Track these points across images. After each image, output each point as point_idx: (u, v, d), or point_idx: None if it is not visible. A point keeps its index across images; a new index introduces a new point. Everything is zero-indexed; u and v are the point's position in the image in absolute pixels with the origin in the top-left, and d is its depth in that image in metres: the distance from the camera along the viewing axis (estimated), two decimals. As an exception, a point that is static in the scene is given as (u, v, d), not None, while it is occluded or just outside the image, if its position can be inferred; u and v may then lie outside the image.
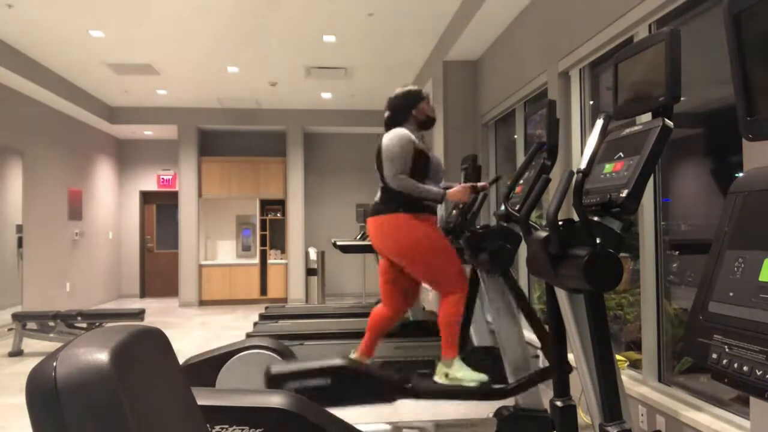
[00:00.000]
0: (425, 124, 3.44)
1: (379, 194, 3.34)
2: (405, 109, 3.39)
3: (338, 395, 2.92)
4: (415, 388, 3.13)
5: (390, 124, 3.40)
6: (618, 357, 3.27)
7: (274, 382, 2.89)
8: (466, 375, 3.14)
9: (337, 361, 2.99)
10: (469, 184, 3.32)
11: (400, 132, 3.29)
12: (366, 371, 2.95)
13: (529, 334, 4.91)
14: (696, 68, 3.07)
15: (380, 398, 3.07)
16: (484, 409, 3.47)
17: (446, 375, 3.18)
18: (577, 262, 1.63)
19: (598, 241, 1.65)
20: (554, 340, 2.12)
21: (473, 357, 3.48)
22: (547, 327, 3.01)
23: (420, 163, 3.26)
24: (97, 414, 0.81)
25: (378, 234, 3.29)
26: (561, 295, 1.87)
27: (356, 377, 2.91)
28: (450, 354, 3.19)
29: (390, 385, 3.03)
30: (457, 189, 3.28)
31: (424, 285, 3.48)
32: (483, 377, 3.14)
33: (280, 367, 3.01)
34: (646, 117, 1.69)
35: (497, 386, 3.11)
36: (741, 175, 1.14)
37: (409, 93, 3.43)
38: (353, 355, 3.36)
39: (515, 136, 5.55)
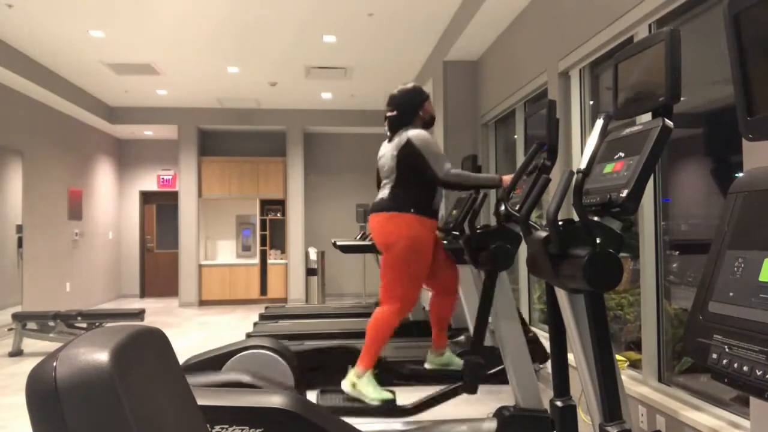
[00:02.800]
0: (429, 123, 3.44)
1: (387, 192, 3.30)
2: (412, 109, 3.37)
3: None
4: (319, 399, 3.14)
5: (397, 124, 3.36)
6: (618, 357, 3.27)
7: None
8: (371, 392, 3.11)
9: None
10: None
11: (424, 133, 3.28)
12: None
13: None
14: (696, 68, 3.07)
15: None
16: (484, 409, 3.47)
17: (353, 385, 3.15)
18: (577, 262, 1.63)
19: (598, 241, 1.64)
20: (554, 340, 2.12)
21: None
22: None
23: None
24: (97, 414, 0.81)
25: (380, 227, 3.28)
26: (561, 295, 1.87)
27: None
28: (364, 365, 3.16)
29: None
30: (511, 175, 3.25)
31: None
32: (388, 396, 3.12)
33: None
34: (646, 117, 1.69)
35: (401, 405, 3.12)
36: (741, 175, 1.14)
37: (415, 91, 3.42)
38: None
39: (515, 136, 5.55)
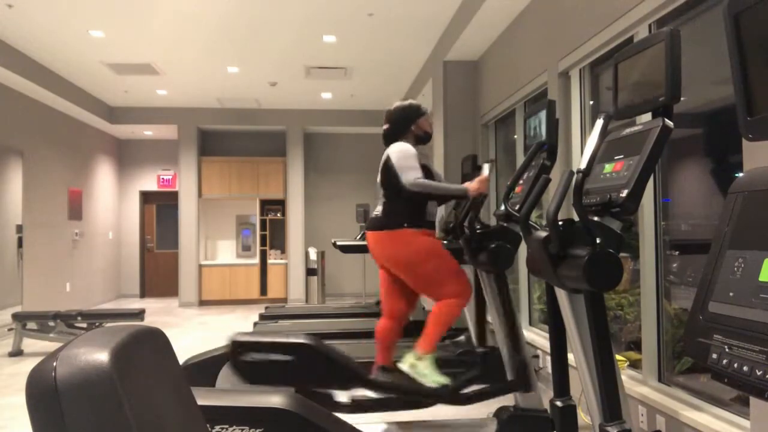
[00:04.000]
0: (423, 139, 3.46)
1: (380, 208, 3.34)
2: (404, 123, 3.41)
3: (296, 374, 2.92)
4: (375, 380, 3.14)
5: (389, 138, 3.43)
6: (618, 357, 3.27)
7: (236, 348, 2.90)
8: (431, 374, 3.13)
9: (301, 340, 2.97)
10: (484, 175, 3.29)
11: (404, 145, 3.31)
12: (329, 355, 2.94)
13: (528, 334, 4.91)
14: (696, 68, 3.07)
15: (336, 384, 3.08)
16: (484, 409, 3.47)
17: (413, 366, 3.16)
18: (577, 262, 1.63)
19: (598, 241, 1.65)
20: (554, 340, 2.12)
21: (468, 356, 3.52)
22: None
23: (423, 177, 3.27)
24: (97, 414, 0.81)
25: (380, 248, 3.30)
26: (561, 295, 1.87)
27: (317, 359, 2.92)
28: (425, 349, 3.17)
29: (350, 373, 3.03)
30: (476, 181, 3.25)
31: (425, 296, 3.48)
32: (446, 380, 3.12)
33: (244, 336, 3.00)
34: (646, 117, 1.69)
35: (461, 392, 3.12)
36: (741, 175, 1.14)
37: (410, 107, 3.45)
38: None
39: (515, 136, 5.55)
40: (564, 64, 4.20)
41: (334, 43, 6.68)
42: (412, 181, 3.17)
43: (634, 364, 3.50)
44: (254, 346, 2.84)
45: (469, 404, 3.16)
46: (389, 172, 3.28)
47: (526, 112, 3.00)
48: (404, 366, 3.17)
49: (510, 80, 5.37)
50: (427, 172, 3.31)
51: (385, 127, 3.45)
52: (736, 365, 0.97)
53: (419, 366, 3.15)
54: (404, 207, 3.26)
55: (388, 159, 3.31)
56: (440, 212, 4.07)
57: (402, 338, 4.02)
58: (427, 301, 3.93)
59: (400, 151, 3.27)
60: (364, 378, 3.06)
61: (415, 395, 3.17)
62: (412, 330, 4.56)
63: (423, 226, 3.27)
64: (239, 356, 2.81)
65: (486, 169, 3.35)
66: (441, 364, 3.22)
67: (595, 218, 1.72)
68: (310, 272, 10.00)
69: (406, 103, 3.48)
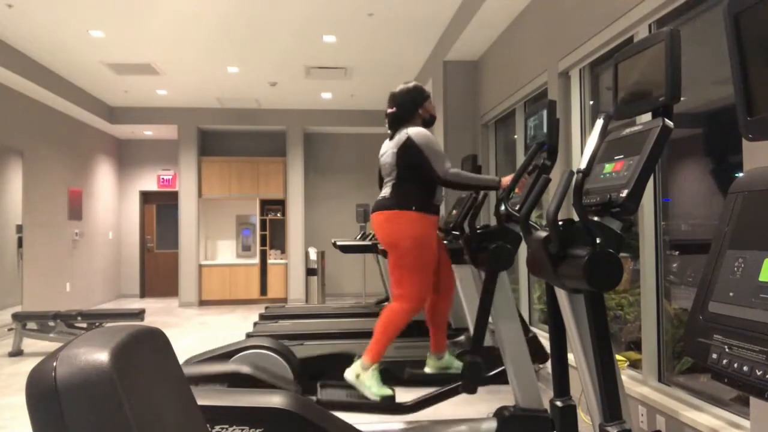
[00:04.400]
0: (428, 122, 3.43)
1: (388, 190, 3.30)
2: (412, 105, 3.37)
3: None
4: (320, 398, 3.15)
5: (396, 121, 3.37)
6: (618, 357, 3.27)
7: None
8: (373, 386, 3.12)
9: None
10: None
11: (425, 131, 3.28)
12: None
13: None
14: (696, 68, 3.07)
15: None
16: (484, 409, 3.47)
17: (357, 376, 3.15)
18: (577, 262, 1.63)
19: (598, 241, 1.64)
20: (554, 340, 2.12)
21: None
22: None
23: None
24: (98, 414, 0.81)
25: (384, 228, 3.28)
26: (561, 295, 1.87)
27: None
28: (370, 359, 3.16)
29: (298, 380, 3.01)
30: (510, 176, 3.23)
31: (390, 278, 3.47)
32: (388, 393, 3.12)
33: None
34: (646, 117, 1.69)
35: (401, 402, 3.12)
36: (741, 175, 1.14)
37: (416, 90, 3.42)
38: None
39: (515, 136, 5.55)
40: (564, 64, 4.20)
41: (334, 43, 6.68)
42: (449, 172, 3.16)
43: (634, 364, 3.50)
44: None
45: (413, 413, 3.16)
46: (411, 153, 3.22)
47: (526, 112, 2.99)
48: (350, 376, 3.16)
49: (510, 80, 5.37)
50: None
51: (392, 110, 3.40)
52: (736, 365, 0.97)
53: (363, 378, 3.14)
54: (415, 189, 3.22)
55: (410, 141, 3.23)
56: (441, 211, 4.07)
57: (402, 338, 4.03)
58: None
59: (426, 137, 3.23)
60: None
61: (360, 410, 3.15)
62: (413, 330, 4.57)
63: (430, 211, 3.25)
64: None
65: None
66: (386, 375, 3.23)
67: (595, 218, 1.72)
68: (310, 272, 10.00)
69: (411, 85, 3.45)
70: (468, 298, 3.60)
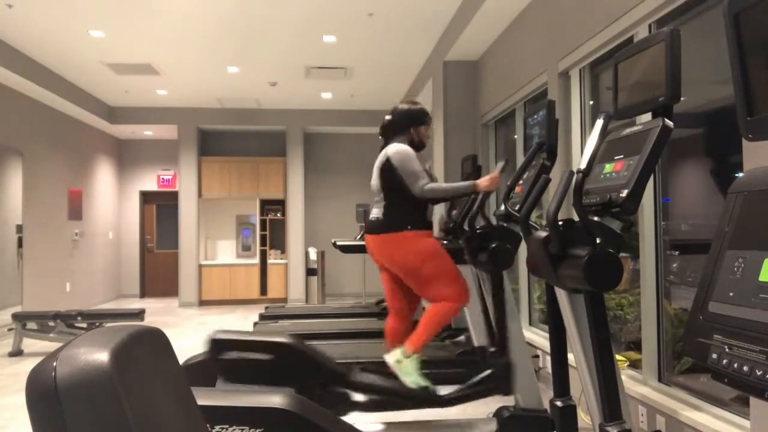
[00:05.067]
0: (416, 146, 3.41)
1: (380, 210, 3.31)
2: (406, 122, 3.39)
3: (275, 373, 2.91)
4: (355, 379, 3.13)
5: (386, 130, 3.41)
6: (618, 357, 3.27)
7: (215, 346, 2.91)
8: (413, 375, 3.12)
9: (281, 339, 2.91)
10: (495, 173, 3.27)
11: (403, 147, 3.29)
12: (308, 353, 2.92)
13: (528, 334, 4.91)
14: (696, 68, 3.07)
15: (318, 385, 3.06)
16: (484, 409, 3.47)
17: (399, 361, 3.15)
18: (577, 262, 1.63)
19: (598, 241, 1.65)
20: (554, 340, 2.12)
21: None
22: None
23: None
24: (98, 414, 0.81)
25: (382, 251, 3.29)
26: (561, 295, 1.87)
27: (295, 358, 2.91)
28: (413, 348, 3.17)
29: (332, 373, 3.02)
30: (486, 178, 3.23)
31: (424, 300, 3.48)
32: (426, 383, 3.12)
33: (224, 334, 2.99)
34: (646, 117, 1.69)
35: (439, 394, 3.12)
36: (741, 175, 1.14)
37: (419, 111, 3.43)
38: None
39: (515, 136, 5.55)
40: (564, 64, 4.20)
41: (334, 43, 6.68)
42: (423, 189, 3.17)
43: (634, 364, 3.50)
44: (231, 344, 2.81)
45: (449, 406, 3.16)
46: (391, 174, 3.26)
47: (526, 112, 2.99)
48: (390, 360, 3.16)
49: (510, 80, 5.37)
50: (428, 175, 3.32)
51: (387, 117, 3.43)
52: (736, 365, 0.97)
53: (404, 364, 3.14)
54: (406, 209, 3.24)
55: (388, 161, 3.28)
56: (440, 211, 4.07)
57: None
58: (426, 302, 3.92)
59: (401, 154, 3.25)
60: (346, 378, 3.04)
61: (394, 396, 3.16)
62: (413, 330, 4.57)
63: (424, 228, 3.27)
64: (218, 355, 2.83)
65: (498, 167, 3.34)
66: (431, 366, 3.23)
67: (595, 218, 1.72)
68: (310, 272, 10.00)
69: (417, 106, 3.46)
70: (474, 299, 3.59)
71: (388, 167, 3.27)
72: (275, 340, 2.81)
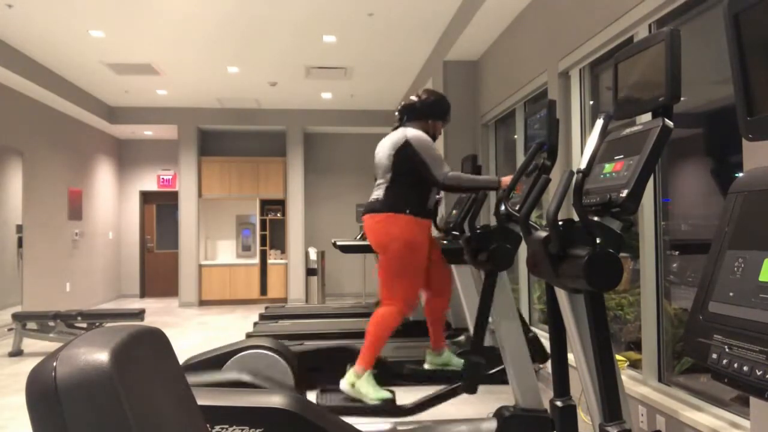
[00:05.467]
0: (430, 137, 3.42)
1: (381, 193, 3.29)
2: (429, 112, 3.37)
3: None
4: (318, 398, 3.15)
5: (408, 111, 3.37)
6: (618, 357, 3.27)
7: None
8: (370, 392, 3.11)
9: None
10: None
11: (425, 135, 3.27)
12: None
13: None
14: (696, 68, 3.07)
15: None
16: (484, 409, 3.47)
17: (352, 384, 3.14)
18: (577, 262, 1.63)
19: (598, 241, 1.64)
20: (554, 340, 2.12)
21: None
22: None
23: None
24: (98, 414, 0.81)
25: (375, 228, 3.28)
26: (561, 295, 1.87)
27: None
28: (363, 365, 3.15)
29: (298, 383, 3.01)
30: (510, 176, 3.24)
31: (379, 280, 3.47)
32: (387, 395, 3.11)
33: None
34: (646, 117, 1.69)
35: (401, 405, 3.12)
36: (741, 175, 1.14)
37: (446, 107, 3.43)
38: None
39: (515, 136, 5.55)
40: (564, 64, 4.20)
41: (334, 43, 6.68)
42: (446, 175, 3.16)
43: (634, 364, 3.50)
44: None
45: (414, 415, 3.17)
46: (405, 157, 3.21)
47: (526, 112, 2.99)
48: (344, 386, 3.15)
49: (510, 80, 5.37)
50: None
51: (414, 98, 3.39)
52: (736, 365, 0.97)
53: (359, 384, 3.13)
54: (408, 192, 3.22)
55: (408, 144, 3.21)
56: (441, 211, 4.07)
57: (402, 338, 4.04)
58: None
59: (425, 141, 3.22)
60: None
61: (361, 414, 3.15)
62: (413, 330, 4.58)
63: (423, 215, 3.25)
64: None
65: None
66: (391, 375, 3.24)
67: (595, 218, 1.72)
68: (310, 272, 10.00)
69: (446, 102, 3.46)
70: (468, 298, 3.60)
71: (407, 149, 3.21)
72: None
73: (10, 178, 7.39)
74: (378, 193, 3.31)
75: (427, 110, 3.37)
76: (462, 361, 3.20)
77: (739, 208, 1.09)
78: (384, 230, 3.23)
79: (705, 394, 2.89)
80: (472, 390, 3.10)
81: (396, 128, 3.35)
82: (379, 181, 3.36)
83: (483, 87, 6.24)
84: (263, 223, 10.49)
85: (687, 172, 3.52)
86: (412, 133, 3.24)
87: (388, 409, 3.10)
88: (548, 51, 4.48)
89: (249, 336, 4.49)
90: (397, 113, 3.44)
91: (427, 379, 3.58)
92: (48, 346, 6.30)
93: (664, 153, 1.64)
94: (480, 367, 3.06)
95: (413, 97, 3.41)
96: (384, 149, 3.33)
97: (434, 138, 3.43)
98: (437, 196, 3.63)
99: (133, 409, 0.83)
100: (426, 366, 3.57)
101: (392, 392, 3.17)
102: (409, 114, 3.37)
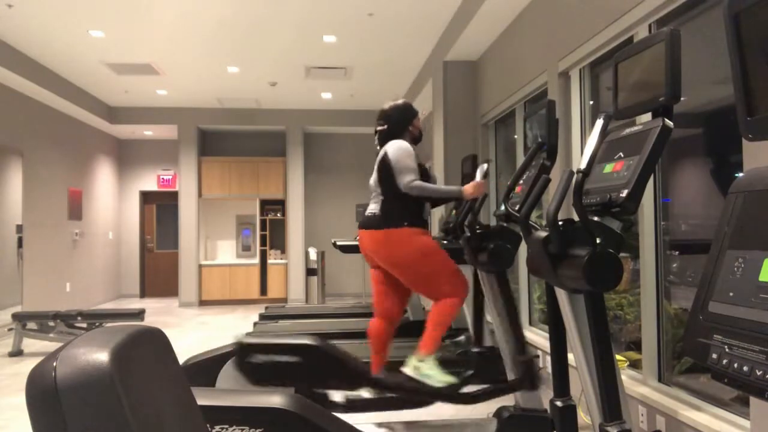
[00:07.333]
0: (418, 139, 3.49)
1: (377, 206, 3.31)
2: (403, 123, 3.44)
3: (302, 375, 2.93)
4: (383, 380, 3.14)
5: (387, 137, 3.42)
6: (618, 357, 3.27)
7: (242, 350, 2.91)
8: (436, 374, 3.13)
9: (306, 341, 2.98)
10: (479, 179, 3.31)
11: (404, 144, 3.32)
12: (335, 355, 2.94)
13: (528, 334, 4.91)
14: (696, 68, 3.07)
15: (344, 385, 3.08)
16: (484, 409, 3.47)
17: (417, 369, 3.15)
18: (577, 262, 1.63)
19: (598, 241, 1.64)
20: (554, 340, 2.12)
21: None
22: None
23: (421, 178, 3.28)
24: (98, 414, 0.81)
25: (377, 247, 3.28)
26: (561, 295, 1.87)
27: (322, 359, 2.92)
28: (428, 350, 3.17)
29: (357, 373, 3.04)
30: (472, 185, 3.26)
31: (423, 297, 3.49)
32: (452, 379, 3.12)
33: (252, 338, 3.00)
34: (646, 117, 1.69)
35: (466, 391, 3.12)
36: (741, 175, 1.14)
37: (407, 108, 3.48)
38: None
39: (515, 136, 5.55)
40: (564, 64, 4.20)
41: (334, 43, 6.68)
42: (408, 184, 3.19)
43: (634, 364, 3.50)
44: (259, 348, 2.86)
45: (474, 403, 3.16)
46: (387, 170, 3.28)
47: (526, 112, 2.99)
48: (408, 369, 3.17)
49: (510, 80, 5.37)
50: (423, 172, 3.33)
51: (383, 127, 3.45)
52: (736, 365, 0.97)
53: (423, 368, 3.15)
54: (404, 206, 3.25)
55: (385, 156, 3.31)
56: (441, 212, 4.07)
57: (403, 338, 4.03)
58: (426, 301, 3.93)
59: (398, 150, 3.28)
60: (371, 378, 3.06)
61: (419, 395, 3.17)
62: (413, 330, 4.58)
63: (421, 225, 3.27)
64: (244, 358, 2.83)
65: (480, 172, 3.37)
66: (442, 364, 3.22)
67: (595, 218, 1.72)
68: (310, 272, 10.00)
69: (401, 102, 3.50)
70: (468, 298, 3.60)
71: (385, 162, 3.30)
72: (301, 342, 2.88)
73: (10, 178, 7.39)
74: (373, 208, 3.34)
75: (400, 123, 3.44)
76: (444, 377, 3.17)
77: (739, 208, 1.09)
78: (391, 251, 3.25)
79: (705, 394, 2.89)
80: (534, 387, 3.08)
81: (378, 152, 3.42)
82: (372, 195, 3.41)
83: (483, 87, 6.24)
84: (263, 223, 10.50)
85: (687, 172, 3.51)
86: (391, 145, 3.31)
87: (449, 393, 3.10)
88: (548, 51, 4.48)
89: (249, 336, 4.48)
90: (378, 146, 3.45)
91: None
92: (48, 346, 6.30)
93: (664, 153, 1.64)
94: (534, 365, 3.06)
95: (380, 127, 3.45)
96: (375, 164, 3.40)
97: (421, 134, 3.52)
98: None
99: (133, 409, 0.83)
100: (404, 370, 3.42)
101: (456, 379, 3.17)
102: (389, 137, 3.41)
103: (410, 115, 3.46)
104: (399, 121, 3.42)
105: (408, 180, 3.19)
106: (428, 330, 3.20)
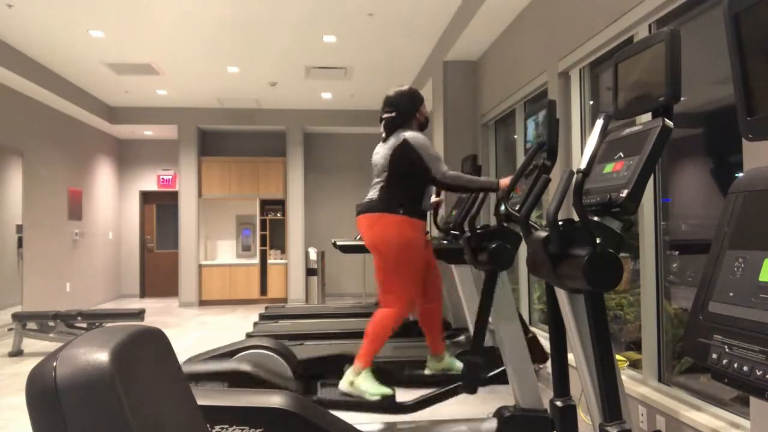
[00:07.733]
0: (424, 126, 3.47)
1: (376, 193, 3.31)
2: (411, 110, 3.40)
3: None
4: (320, 397, 3.16)
5: (394, 126, 3.38)
6: (618, 357, 3.27)
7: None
8: (369, 388, 3.12)
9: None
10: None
11: (421, 135, 3.32)
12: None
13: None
14: (696, 68, 3.07)
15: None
16: (484, 409, 3.47)
17: (351, 383, 3.15)
18: (577, 262, 1.63)
19: (598, 241, 1.64)
20: (554, 340, 2.12)
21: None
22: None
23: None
24: (98, 414, 0.81)
25: (369, 229, 3.28)
26: (561, 295, 1.87)
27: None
28: (362, 364, 3.17)
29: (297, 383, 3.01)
30: (509, 177, 3.26)
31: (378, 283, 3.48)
32: (387, 391, 3.12)
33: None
34: (646, 117, 1.69)
35: (401, 402, 3.12)
36: (741, 175, 1.14)
37: (413, 94, 3.45)
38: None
39: (515, 136, 5.55)
40: (564, 64, 4.20)
41: (334, 43, 6.68)
42: (445, 174, 3.18)
43: (634, 364, 3.50)
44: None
45: (413, 412, 3.17)
46: (404, 157, 3.24)
47: (526, 112, 2.99)
48: (343, 385, 3.17)
49: (510, 80, 5.37)
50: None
51: (391, 114, 3.40)
52: (736, 365, 0.97)
53: (358, 382, 3.14)
54: (403, 193, 3.23)
55: (407, 145, 3.24)
56: (441, 211, 4.07)
57: (402, 339, 4.04)
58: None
59: (423, 141, 3.26)
60: None
61: (360, 409, 3.15)
62: (412, 330, 4.59)
63: (416, 216, 3.26)
64: None
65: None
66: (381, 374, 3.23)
67: (595, 218, 1.72)
68: (310, 272, 10.00)
69: (406, 88, 3.48)
70: (468, 298, 3.60)
71: (406, 149, 3.24)
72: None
73: (10, 178, 7.39)
74: (372, 194, 3.33)
75: (407, 110, 3.40)
76: (379, 390, 3.18)
77: (739, 208, 1.09)
78: (378, 231, 3.25)
79: (705, 394, 2.89)
80: (471, 390, 3.10)
81: (386, 140, 3.38)
82: (375, 181, 3.38)
83: (483, 87, 6.24)
84: (263, 223, 10.49)
85: (687, 172, 3.51)
86: (410, 134, 3.27)
87: (387, 405, 3.10)
88: (548, 51, 4.48)
89: (249, 336, 4.50)
90: (383, 133, 3.44)
91: (427, 381, 3.58)
92: (48, 346, 6.30)
93: (664, 153, 1.64)
94: (479, 368, 3.06)
95: (386, 114, 3.41)
96: (382, 150, 3.35)
97: (427, 121, 3.52)
98: (436, 198, 3.63)
99: (133, 409, 0.83)
100: (426, 371, 3.57)
101: (392, 389, 3.18)
102: (396, 125, 3.38)
103: (417, 101, 3.44)
104: (407, 109, 3.39)
105: (445, 169, 3.19)
106: (365, 343, 3.20)
